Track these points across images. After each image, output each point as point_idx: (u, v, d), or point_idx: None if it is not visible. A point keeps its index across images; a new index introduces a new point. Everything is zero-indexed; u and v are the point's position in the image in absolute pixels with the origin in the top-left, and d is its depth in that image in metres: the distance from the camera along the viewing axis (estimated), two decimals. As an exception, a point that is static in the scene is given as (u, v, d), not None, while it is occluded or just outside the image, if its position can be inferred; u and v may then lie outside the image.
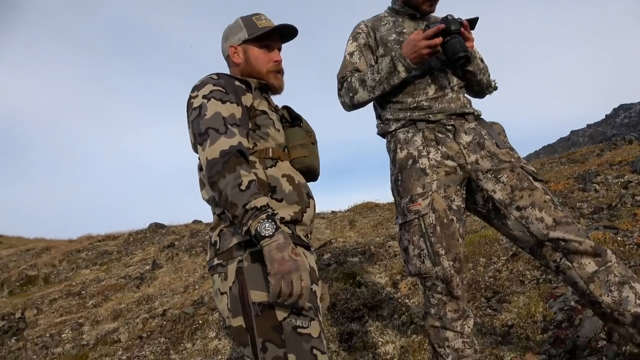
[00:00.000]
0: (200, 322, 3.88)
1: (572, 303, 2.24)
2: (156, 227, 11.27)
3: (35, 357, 4.67)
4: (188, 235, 9.14)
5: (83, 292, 6.60)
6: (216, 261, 1.44)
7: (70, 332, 5.04)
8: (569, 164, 6.37)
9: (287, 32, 1.64)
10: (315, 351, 1.33)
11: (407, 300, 3.42)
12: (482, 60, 2.01)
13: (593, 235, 2.93)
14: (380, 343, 3.00)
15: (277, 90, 1.66)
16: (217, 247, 1.44)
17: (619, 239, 2.83)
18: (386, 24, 1.99)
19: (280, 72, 1.65)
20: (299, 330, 1.33)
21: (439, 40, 1.70)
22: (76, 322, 5.29)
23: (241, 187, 1.29)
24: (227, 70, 1.70)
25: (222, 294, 1.42)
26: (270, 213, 1.28)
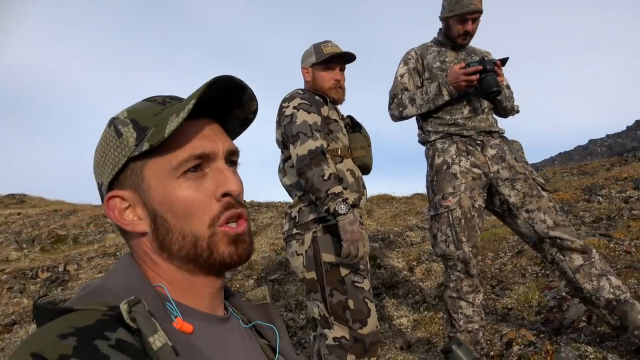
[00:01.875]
0: (237, 286, 4.42)
1: (563, 293, 2.70)
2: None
3: (82, 305, 5.27)
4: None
5: (118, 253, 7.18)
6: (295, 231, 1.93)
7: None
8: (579, 176, 6.77)
9: (347, 57, 2.10)
10: (366, 300, 1.84)
11: (421, 284, 3.90)
12: (508, 87, 2.46)
13: (590, 241, 3.38)
14: (395, 316, 3.50)
15: (338, 102, 2.13)
16: (297, 220, 1.94)
17: (611, 245, 3.28)
18: (432, 52, 2.43)
19: (340, 87, 2.10)
20: (355, 284, 1.83)
21: (476, 77, 2.15)
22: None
23: (324, 178, 1.77)
24: (298, 83, 2.18)
25: (298, 254, 1.92)
26: (344, 197, 1.77)
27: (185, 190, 0.60)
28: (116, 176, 0.63)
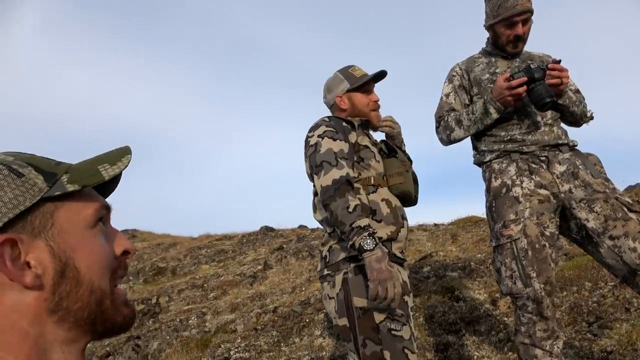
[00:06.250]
0: (307, 320, 4.28)
1: (678, 335, 2.19)
2: (266, 230, 12.12)
3: (168, 337, 5.44)
4: (295, 240, 9.74)
5: (205, 285, 7.43)
6: (326, 272, 1.76)
7: (195, 319, 5.77)
8: None
9: (378, 75, 1.94)
10: (406, 350, 1.60)
11: (506, 318, 3.46)
12: (578, 92, 2.10)
13: None
14: (476, 357, 3.12)
15: (376, 128, 1.96)
16: (327, 260, 1.76)
17: None
18: (480, 64, 2.16)
19: (378, 108, 1.95)
20: (393, 332, 1.60)
21: (522, 89, 1.86)
22: (200, 311, 6.02)
23: (349, 210, 1.59)
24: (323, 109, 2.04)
25: (330, 298, 1.73)
26: (371, 231, 1.57)
27: (100, 240, 0.59)
28: (10, 219, 0.55)
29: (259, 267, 7.77)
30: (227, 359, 3.98)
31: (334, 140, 1.76)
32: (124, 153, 0.64)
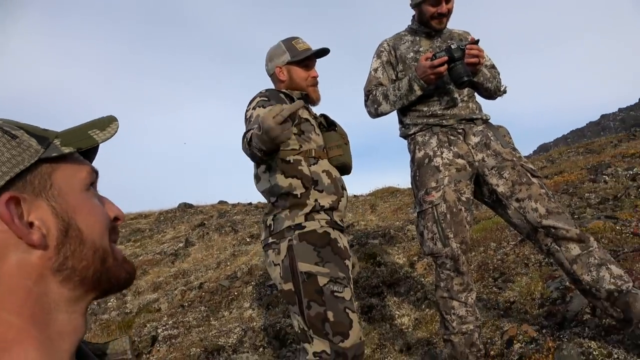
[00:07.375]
0: (235, 293, 4.32)
1: (567, 283, 2.55)
2: (185, 207, 11.82)
3: (86, 322, 5.21)
4: (216, 216, 9.62)
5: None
6: (271, 240, 1.82)
7: (114, 300, 5.55)
8: (585, 155, 6.57)
9: (321, 52, 2.00)
10: (347, 310, 1.72)
11: (423, 279, 3.77)
12: (493, 67, 2.31)
13: (594, 225, 3.22)
14: (397, 315, 3.38)
15: (315, 102, 2.02)
16: (272, 228, 1.82)
17: (617, 227, 3.12)
18: (405, 42, 2.30)
19: (316, 84, 2.01)
20: (335, 294, 1.71)
21: (443, 68, 2.02)
22: (119, 292, 5.82)
23: (245, 138, 1.65)
24: (269, 83, 2.06)
25: (275, 265, 1.80)
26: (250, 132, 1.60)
27: (96, 202, 0.60)
28: (12, 178, 0.54)
29: (180, 245, 7.60)
30: (155, 337, 3.92)
31: (264, 107, 1.79)
32: (111, 120, 0.64)
